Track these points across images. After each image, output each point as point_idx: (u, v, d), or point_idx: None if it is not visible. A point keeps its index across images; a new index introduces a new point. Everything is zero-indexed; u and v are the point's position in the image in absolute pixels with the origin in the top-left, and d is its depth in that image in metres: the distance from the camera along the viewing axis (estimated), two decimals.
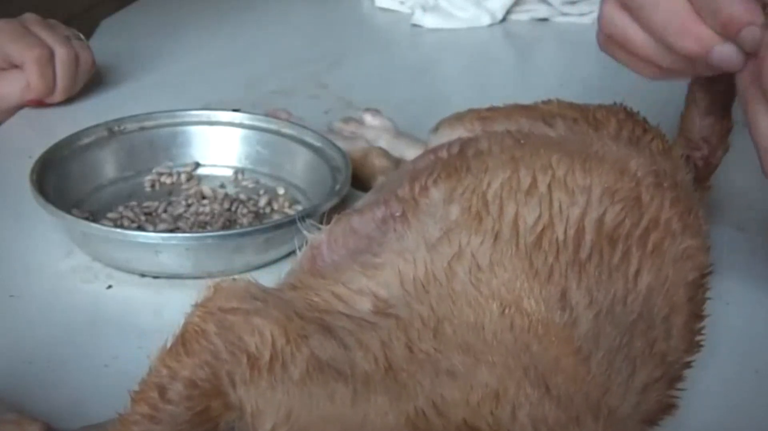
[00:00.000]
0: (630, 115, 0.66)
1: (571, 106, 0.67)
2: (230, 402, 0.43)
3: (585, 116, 0.64)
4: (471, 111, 0.70)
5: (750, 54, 0.57)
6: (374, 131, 0.83)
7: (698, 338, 0.54)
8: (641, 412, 0.49)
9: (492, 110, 0.69)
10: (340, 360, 0.42)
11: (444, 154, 0.61)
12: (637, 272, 0.50)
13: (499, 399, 0.40)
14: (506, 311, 0.45)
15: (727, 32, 0.57)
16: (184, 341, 0.44)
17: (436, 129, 0.71)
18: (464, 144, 0.60)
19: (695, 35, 0.58)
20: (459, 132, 0.67)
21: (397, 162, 0.78)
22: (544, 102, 0.68)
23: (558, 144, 0.58)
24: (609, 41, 0.64)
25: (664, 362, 0.50)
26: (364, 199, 0.64)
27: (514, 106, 0.68)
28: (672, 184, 0.57)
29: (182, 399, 0.43)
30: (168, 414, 0.43)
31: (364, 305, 0.46)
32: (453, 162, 0.57)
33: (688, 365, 0.53)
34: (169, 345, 0.45)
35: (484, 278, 0.46)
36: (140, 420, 0.44)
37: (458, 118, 0.69)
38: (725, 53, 0.57)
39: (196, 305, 0.46)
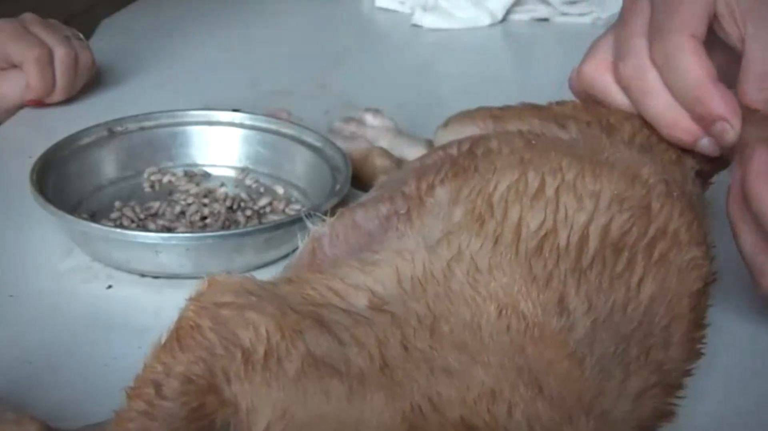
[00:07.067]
0: (645, 121, 0.65)
1: (585, 108, 0.65)
2: (225, 398, 0.42)
3: (599, 119, 0.63)
4: (482, 109, 0.68)
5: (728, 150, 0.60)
6: (375, 131, 0.83)
7: (698, 346, 0.53)
8: (636, 418, 0.48)
9: (504, 108, 0.67)
10: (336, 356, 0.42)
11: (454, 151, 0.60)
12: (641, 282, 0.50)
13: (496, 398, 0.40)
14: (503, 313, 0.45)
15: (703, 127, 0.60)
16: (179, 336, 0.44)
17: (445, 125, 0.69)
18: (474, 142, 0.60)
19: (684, 128, 0.61)
20: (469, 129, 0.66)
21: (399, 162, 0.78)
22: (557, 103, 0.67)
23: (569, 147, 0.58)
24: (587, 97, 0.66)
25: (660, 369, 0.49)
26: (369, 194, 0.63)
27: (527, 106, 0.67)
28: (681, 194, 0.56)
29: (178, 394, 0.43)
30: (164, 410, 0.43)
31: (360, 300, 0.46)
32: (461, 161, 0.56)
33: (688, 373, 0.52)
34: (163, 340, 0.45)
35: (482, 281, 0.46)
36: (136, 417, 0.43)
37: (469, 115, 0.68)
38: (706, 146, 0.61)
39: (190, 300, 0.45)
